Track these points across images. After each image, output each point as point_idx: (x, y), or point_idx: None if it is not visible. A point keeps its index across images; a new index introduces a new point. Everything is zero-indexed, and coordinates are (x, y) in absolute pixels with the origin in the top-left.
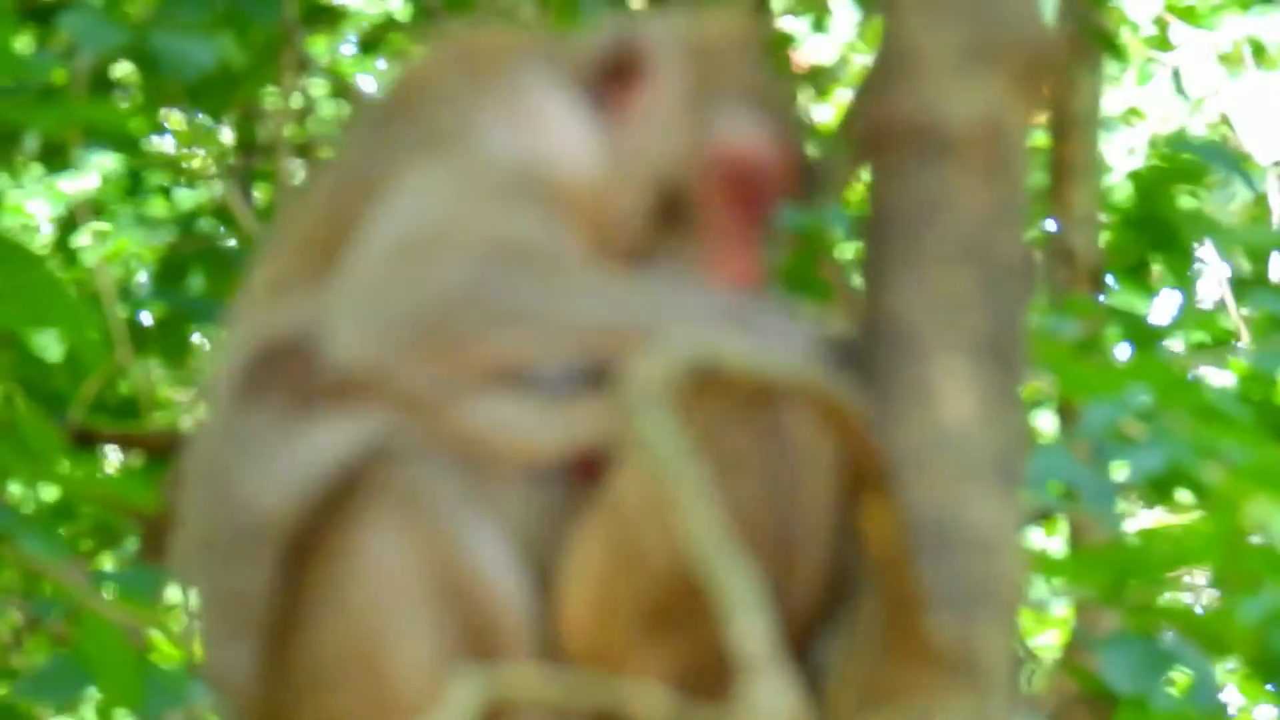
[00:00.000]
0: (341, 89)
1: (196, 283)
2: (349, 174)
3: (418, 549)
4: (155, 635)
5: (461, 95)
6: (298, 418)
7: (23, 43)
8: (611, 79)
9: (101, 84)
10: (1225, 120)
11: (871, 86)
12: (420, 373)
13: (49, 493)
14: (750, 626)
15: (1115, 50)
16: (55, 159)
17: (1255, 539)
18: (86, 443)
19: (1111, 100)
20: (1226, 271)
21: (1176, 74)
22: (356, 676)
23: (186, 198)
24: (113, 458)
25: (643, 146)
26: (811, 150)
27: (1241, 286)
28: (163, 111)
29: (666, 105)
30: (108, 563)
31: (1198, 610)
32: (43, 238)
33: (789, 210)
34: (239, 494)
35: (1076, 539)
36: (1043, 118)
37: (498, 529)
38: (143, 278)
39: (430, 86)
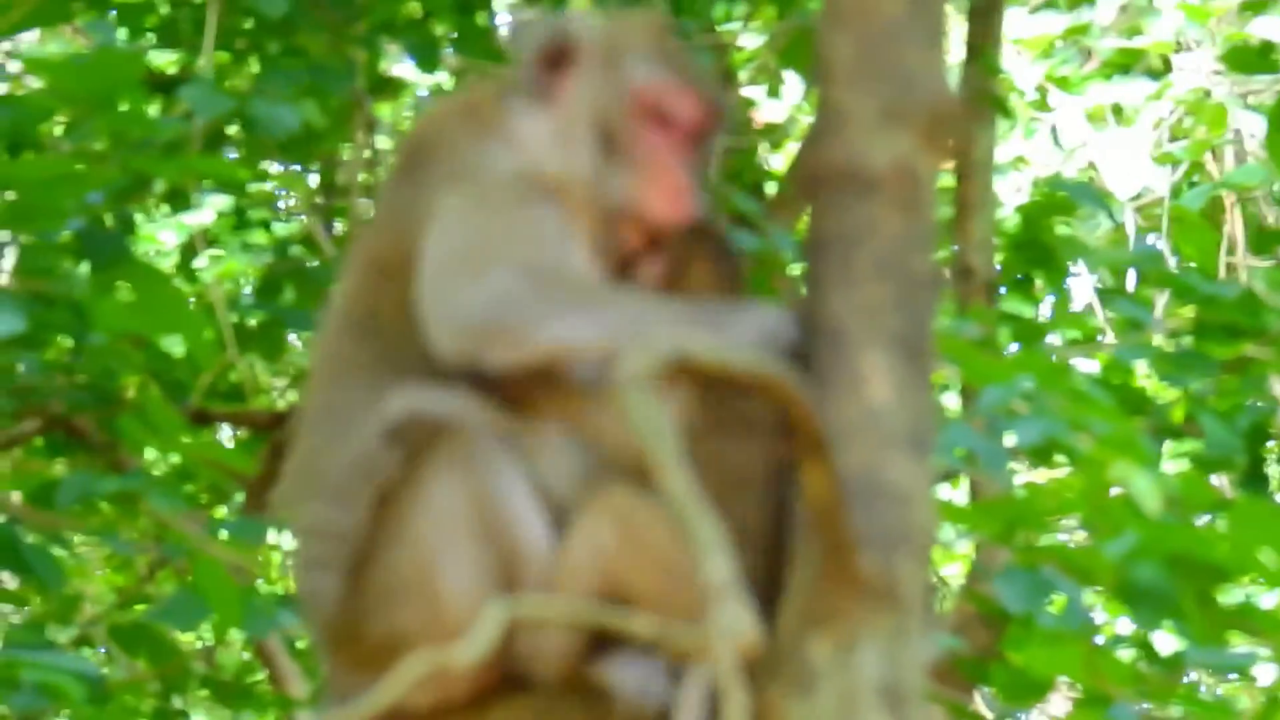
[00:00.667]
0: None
1: (289, 296)
2: (388, 211)
3: (465, 496)
4: (258, 571)
5: (462, 139)
6: (387, 386)
7: (151, 109)
8: (550, 68)
9: (216, 139)
10: (1092, 166)
11: (811, 140)
12: (496, 357)
13: (173, 460)
14: (717, 564)
15: (1005, 111)
16: (178, 199)
17: (1117, 493)
18: (203, 421)
19: (1003, 150)
20: (1094, 283)
21: (1054, 130)
22: (413, 599)
23: (281, 229)
24: (225, 433)
25: (581, 110)
26: (720, 92)
27: (1105, 295)
28: (262, 162)
29: (595, 74)
30: (220, 515)
31: (1071, 548)
32: (170, 261)
33: (747, 237)
34: (337, 445)
35: (975, 493)
36: (948, 163)
37: (529, 485)
38: (247, 291)
39: (439, 136)
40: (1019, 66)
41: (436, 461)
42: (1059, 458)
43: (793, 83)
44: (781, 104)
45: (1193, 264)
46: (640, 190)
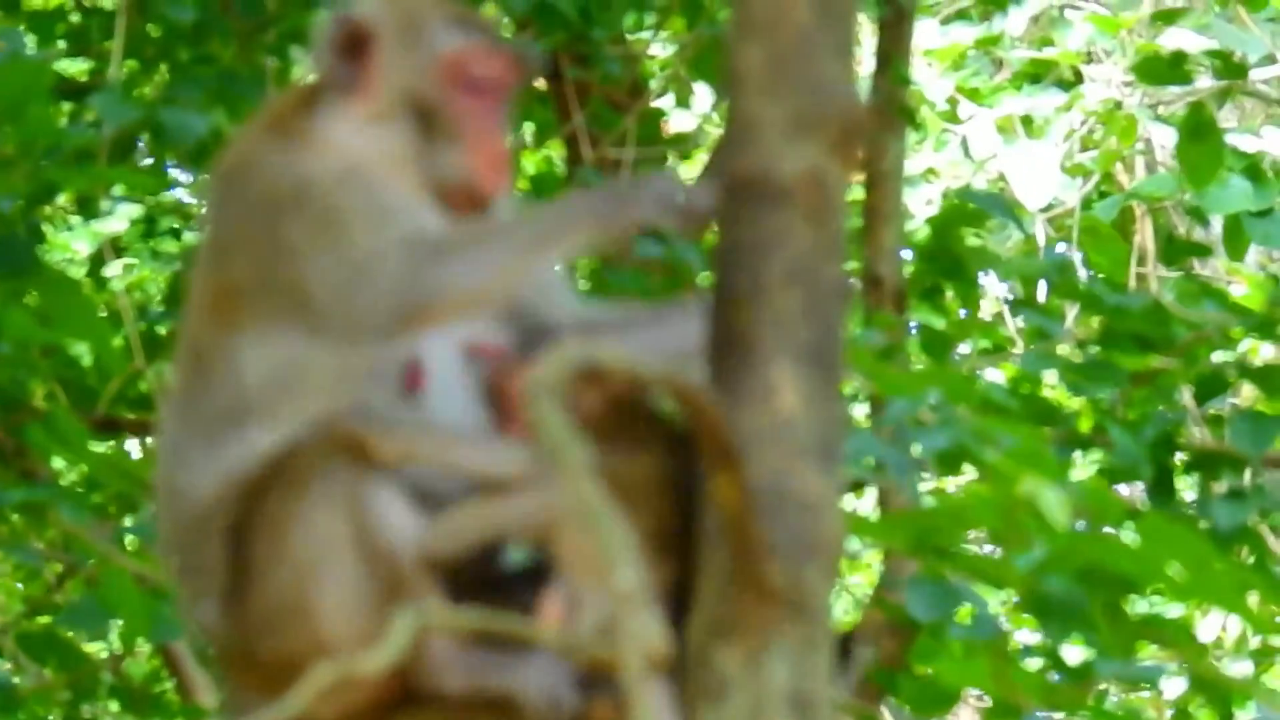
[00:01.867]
0: None
1: None
2: (218, 242)
3: (332, 516)
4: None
5: (275, 158)
6: (225, 425)
7: (60, 116)
8: (349, 55)
9: (126, 147)
10: (1003, 177)
11: (721, 149)
12: (411, 329)
13: (81, 469)
14: (625, 572)
15: (914, 121)
16: (89, 206)
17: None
18: (112, 429)
19: (914, 162)
20: (1005, 293)
21: (964, 141)
22: (296, 621)
23: (191, 238)
24: (133, 442)
25: (392, 91)
26: (521, 45)
27: (1015, 305)
28: (172, 170)
29: (397, 51)
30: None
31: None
32: (81, 270)
33: (654, 247)
34: (185, 490)
35: (884, 503)
36: (857, 173)
37: (397, 492)
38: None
39: (252, 158)
40: (930, 77)
41: (302, 483)
42: (966, 468)
43: (702, 93)
44: (691, 114)
45: (1102, 275)
46: (465, 162)
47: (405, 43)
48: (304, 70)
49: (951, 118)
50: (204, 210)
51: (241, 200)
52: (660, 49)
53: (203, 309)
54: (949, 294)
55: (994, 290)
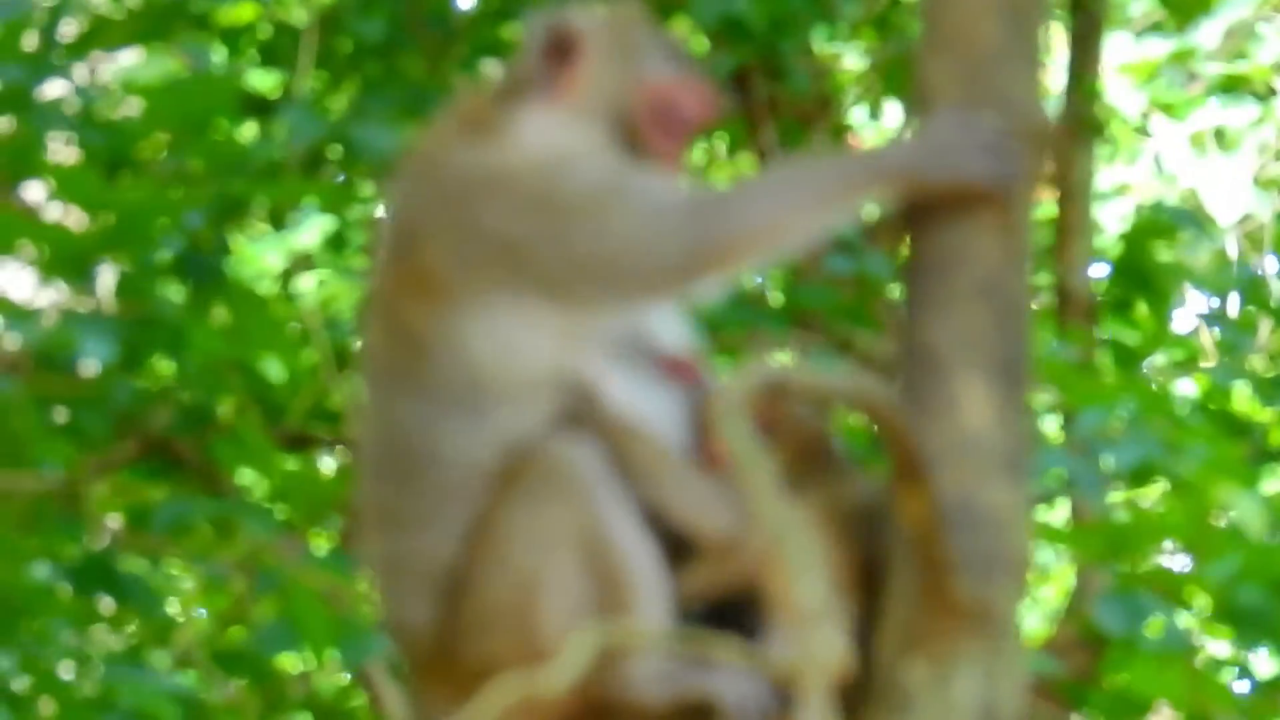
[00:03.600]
0: None
1: None
2: (410, 230)
3: (568, 520)
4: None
5: (466, 152)
6: (462, 401)
7: (249, 131)
8: (555, 61)
9: (315, 162)
10: (1195, 191)
11: None
12: (703, 273)
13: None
14: (810, 586)
15: (1104, 136)
16: (280, 221)
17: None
18: (303, 445)
19: (1106, 177)
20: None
21: (1157, 156)
22: (511, 626)
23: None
24: (326, 458)
25: (592, 103)
26: (718, 87)
27: (1209, 319)
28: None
29: (604, 67)
30: (318, 539)
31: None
32: (271, 285)
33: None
34: (433, 466)
35: (1075, 517)
36: (1046, 188)
37: (636, 516)
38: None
39: (441, 150)
40: (1122, 91)
41: (541, 489)
42: (1157, 481)
43: (892, 107)
44: (882, 127)
45: None
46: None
47: (614, 62)
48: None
49: (1143, 131)
50: (390, 201)
51: (432, 190)
52: (851, 62)
53: (400, 291)
54: (1141, 308)
55: (1190, 304)
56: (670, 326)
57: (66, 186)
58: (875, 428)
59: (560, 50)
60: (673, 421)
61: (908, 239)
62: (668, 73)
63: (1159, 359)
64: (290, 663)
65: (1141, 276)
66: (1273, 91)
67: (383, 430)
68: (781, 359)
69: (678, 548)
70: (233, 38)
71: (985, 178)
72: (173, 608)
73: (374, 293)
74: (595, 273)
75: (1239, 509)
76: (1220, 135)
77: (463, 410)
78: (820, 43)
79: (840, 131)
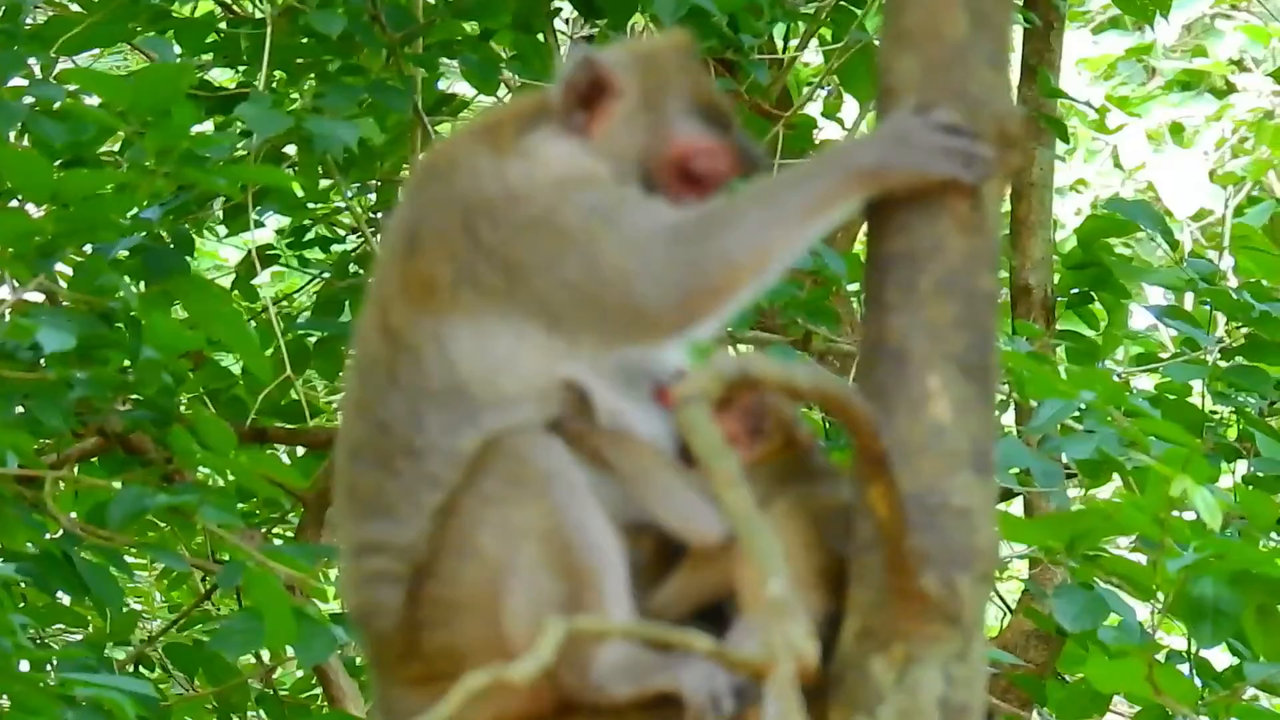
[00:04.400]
0: None
1: (347, 313)
2: (411, 230)
3: (539, 518)
4: (310, 592)
5: (482, 162)
6: (441, 403)
7: (210, 127)
8: (587, 100)
9: (276, 159)
10: (1152, 186)
11: None
12: (700, 315)
13: (229, 478)
14: (775, 581)
15: (1061, 132)
16: (238, 218)
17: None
18: (262, 439)
19: (1064, 172)
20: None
21: (1114, 151)
22: (476, 615)
23: (340, 247)
24: (283, 453)
25: (619, 146)
26: (751, 142)
27: (1165, 313)
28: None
29: (632, 115)
30: (277, 532)
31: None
32: (229, 279)
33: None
34: (412, 456)
35: (1030, 511)
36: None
37: (604, 509)
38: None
39: (457, 158)
40: (1079, 86)
41: (510, 480)
42: (1112, 477)
43: (852, 103)
44: (840, 124)
45: (1254, 280)
46: None
47: (643, 112)
48: (451, 81)
49: (1100, 127)
50: (401, 199)
51: (441, 197)
52: (811, 57)
53: (395, 293)
54: (1097, 303)
55: (1149, 299)
56: (667, 354)
57: (16, 175)
58: (840, 423)
59: (592, 90)
60: (661, 436)
61: (870, 234)
62: (695, 132)
63: (1118, 354)
64: (246, 659)
65: (1098, 272)
66: (1230, 87)
67: (364, 420)
68: (747, 354)
69: (667, 554)
70: (191, 34)
71: (952, 175)
72: (133, 603)
73: (373, 287)
74: (585, 305)
75: (1197, 499)
76: (1178, 130)
77: (446, 410)
78: (780, 38)
79: (801, 128)
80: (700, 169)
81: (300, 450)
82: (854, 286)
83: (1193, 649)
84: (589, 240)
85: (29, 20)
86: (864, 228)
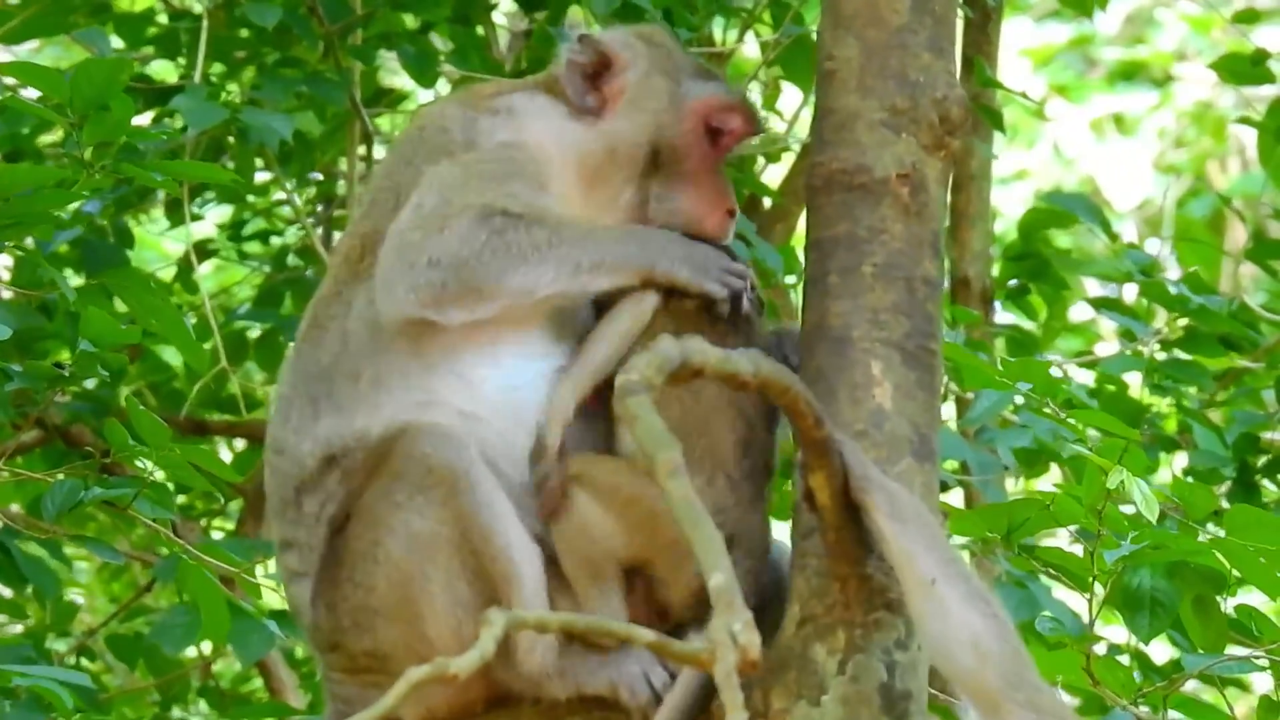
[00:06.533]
0: None
1: (287, 306)
2: (378, 195)
3: (447, 515)
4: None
5: (455, 118)
6: (326, 385)
7: (147, 119)
8: (593, 77)
9: (215, 151)
10: (1093, 176)
11: (814, 146)
12: (452, 316)
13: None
14: (717, 572)
15: (997, 122)
16: (177, 211)
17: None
18: (201, 432)
19: (1005, 162)
20: (1099, 294)
21: (1055, 142)
22: (395, 619)
23: (279, 240)
24: (223, 446)
25: (632, 120)
26: (754, 104)
27: (1103, 305)
28: (260, 173)
29: (641, 84)
30: (216, 526)
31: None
32: (170, 272)
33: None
34: (290, 450)
35: (968, 503)
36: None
37: (513, 507)
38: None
39: (435, 119)
40: (1020, 76)
41: (419, 488)
42: (1048, 468)
43: (791, 93)
44: (778, 116)
45: (1194, 270)
46: (692, 206)
47: (658, 75)
48: (390, 75)
49: (1040, 114)
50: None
51: (408, 151)
52: (748, 50)
53: (340, 261)
54: (1037, 295)
55: (1089, 291)
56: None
57: None
58: (782, 408)
59: (600, 68)
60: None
61: (810, 217)
62: (708, 92)
63: (1057, 345)
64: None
65: (1037, 263)
66: (1171, 77)
67: (278, 409)
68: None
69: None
70: (130, 25)
71: (716, 293)
72: (72, 594)
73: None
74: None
75: (1134, 489)
76: (1119, 121)
77: (336, 396)
78: (717, 29)
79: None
80: (718, 124)
81: (241, 443)
82: (791, 279)
83: (1131, 642)
84: (437, 219)
85: None
86: (803, 215)
